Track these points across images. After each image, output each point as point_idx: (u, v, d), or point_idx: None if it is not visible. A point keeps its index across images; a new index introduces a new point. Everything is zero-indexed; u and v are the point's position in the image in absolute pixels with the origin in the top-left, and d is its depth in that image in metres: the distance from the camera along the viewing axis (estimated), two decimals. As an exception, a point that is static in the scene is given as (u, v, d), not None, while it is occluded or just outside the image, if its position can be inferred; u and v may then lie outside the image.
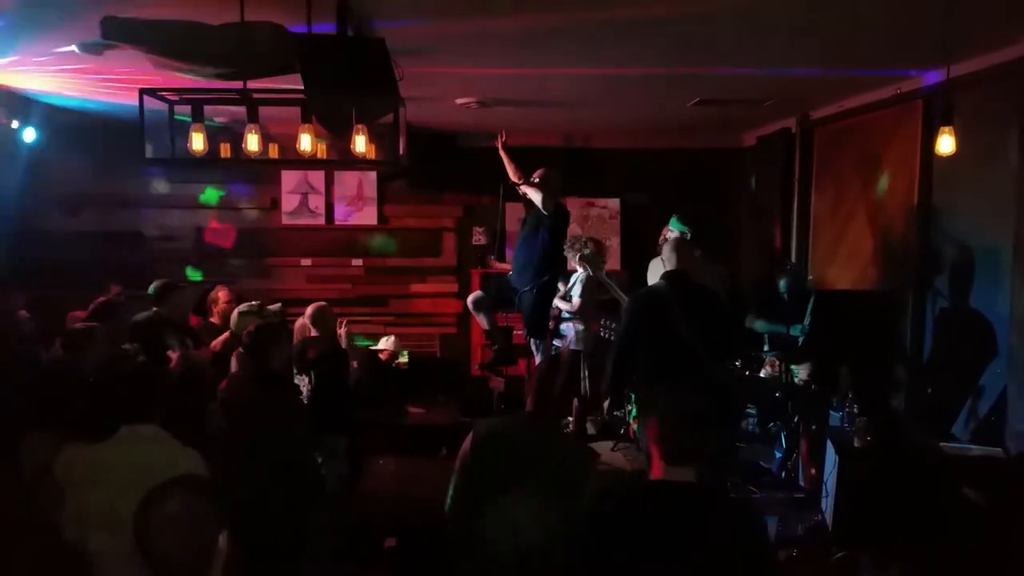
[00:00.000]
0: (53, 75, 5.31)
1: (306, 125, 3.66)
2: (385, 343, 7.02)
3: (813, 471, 5.34)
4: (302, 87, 3.44)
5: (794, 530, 4.81)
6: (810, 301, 5.60)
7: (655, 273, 6.52)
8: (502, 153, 5.73)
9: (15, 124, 6.05)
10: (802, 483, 5.49)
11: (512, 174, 5.60)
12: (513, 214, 7.29)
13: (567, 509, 2.77)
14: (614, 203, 8.23)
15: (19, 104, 6.08)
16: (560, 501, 2.92)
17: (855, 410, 4.85)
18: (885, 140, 5.61)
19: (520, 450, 3.14)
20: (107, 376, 3.09)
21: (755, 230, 7.62)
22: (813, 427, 5.41)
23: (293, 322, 5.85)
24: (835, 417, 5.04)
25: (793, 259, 6.86)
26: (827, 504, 4.79)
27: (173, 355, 4.53)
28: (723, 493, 2.42)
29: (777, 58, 4.72)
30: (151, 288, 5.20)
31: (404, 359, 7.18)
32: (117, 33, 3.49)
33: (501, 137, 5.71)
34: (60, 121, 6.65)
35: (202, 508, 1.85)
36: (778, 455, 5.67)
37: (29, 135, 6.26)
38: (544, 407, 3.36)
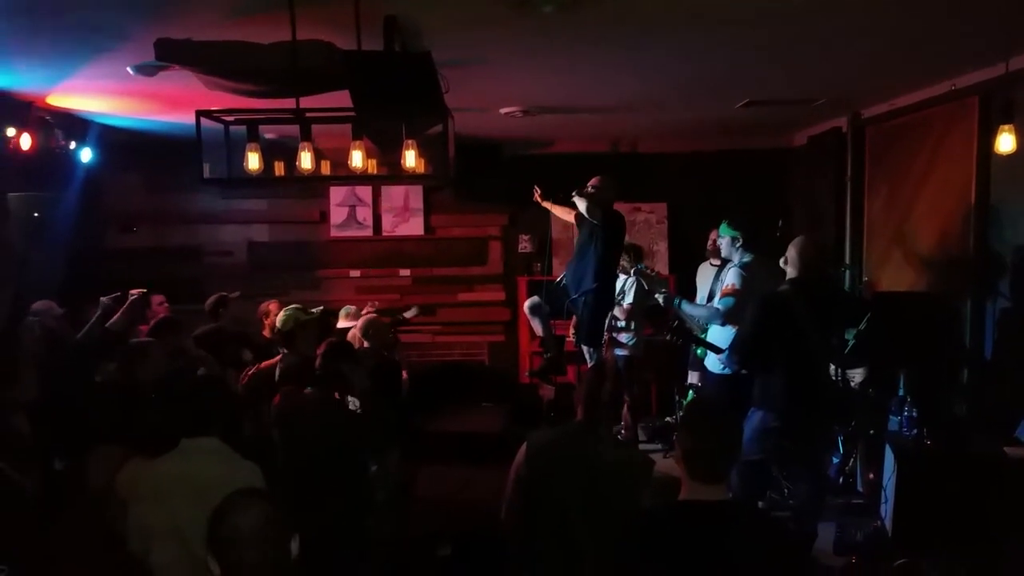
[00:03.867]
0: (108, 96, 5.47)
1: (357, 142, 3.69)
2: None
3: (871, 476, 5.23)
4: (351, 104, 3.48)
5: (853, 537, 4.72)
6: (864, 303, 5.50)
7: (704, 277, 6.49)
8: (545, 205, 5.80)
9: (72, 145, 6.21)
10: (860, 488, 5.39)
11: (563, 215, 5.71)
12: (559, 222, 7.29)
13: (624, 519, 2.73)
14: (661, 207, 8.17)
15: (75, 125, 6.25)
16: (617, 511, 2.89)
17: (914, 414, 4.74)
18: (940, 138, 5.47)
19: (575, 461, 3.12)
20: (167, 391, 3.15)
21: (807, 232, 7.49)
22: (871, 431, 5.30)
23: (344, 332, 5.92)
24: (893, 421, 4.94)
25: (847, 261, 6.73)
26: (887, 510, 4.70)
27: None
28: (751, 511, 2.29)
29: (829, 57, 4.64)
30: (209, 302, 5.34)
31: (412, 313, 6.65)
32: (170, 54, 3.58)
33: (536, 194, 5.78)
34: (115, 140, 6.82)
35: (275, 516, 1.87)
36: (835, 460, 5.56)
37: (85, 155, 6.42)
38: (595, 415, 3.34)
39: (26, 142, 5.44)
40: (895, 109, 6.03)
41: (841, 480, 5.49)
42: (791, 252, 4.46)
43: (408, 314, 6.48)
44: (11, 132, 5.30)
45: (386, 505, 4.50)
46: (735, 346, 4.56)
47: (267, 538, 1.85)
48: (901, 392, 4.89)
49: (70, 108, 5.90)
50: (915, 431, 4.68)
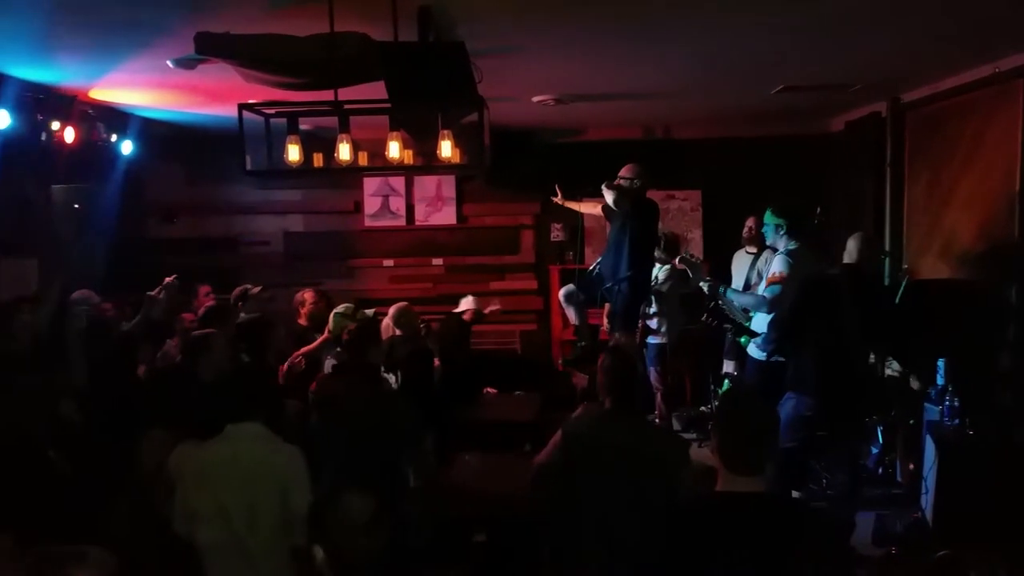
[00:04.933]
0: (149, 89, 5.55)
1: (394, 133, 3.73)
2: (465, 303, 6.84)
3: (911, 466, 5.17)
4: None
5: (893, 527, 4.68)
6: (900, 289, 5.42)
7: (739, 265, 6.44)
8: (568, 205, 5.85)
9: (113, 137, 6.33)
10: (900, 479, 5.33)
11: (589, 209, 5.77)
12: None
13: (664, 501, 2.74)
14: (695, 195, 8.10)
15: (117, 118, 6.36)
16: (657, 495, 2.89)
17: (956, 403, 4.68)
18: (983, 123, 5.37)
19: (611, 446, 3.12)
20: (215, 378, 3.23)
21: (845, 219, 7.39)
22: (911, 421, 5.24)
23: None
24: (932, 411, 4.88)
25: (887, 248, 6.63)
26: (927, 500, 4.65)
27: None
28: (788, 502, 2.25)
29: (867, 39, 4.57)
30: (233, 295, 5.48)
31: (494, 307, 7.12)
32: (210, 48, 3.62)
33: (557, 196, 5.82)
34: (155, 133, 6.93)
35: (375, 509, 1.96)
36: (874, 450, 5.51)
37: (126, 147, 6.54)
38: (622, 399, 3.31)
39: (69, 135, 5.55)
40: (936, 93, 5.92)
41: (880, 470, 5.44)
42: (852, 242, 4.47)
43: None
44: (55, 126, 5.41)
45: (420, 491, 4.55)
46: (774, 323, 4.51)
47: (372, 528, 1.92)
48: (942, 381, 4.82)
49: (112, 102, 6.00)
50: (957, 421, 4.63)
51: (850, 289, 4.24)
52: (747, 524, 2.28)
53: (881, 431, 5.45)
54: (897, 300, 5.26)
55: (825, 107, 7.12)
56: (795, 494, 4.55)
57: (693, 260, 5.43)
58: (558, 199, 5.93)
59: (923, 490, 4.69)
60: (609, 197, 5.13)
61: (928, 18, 4.12)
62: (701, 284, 5.29)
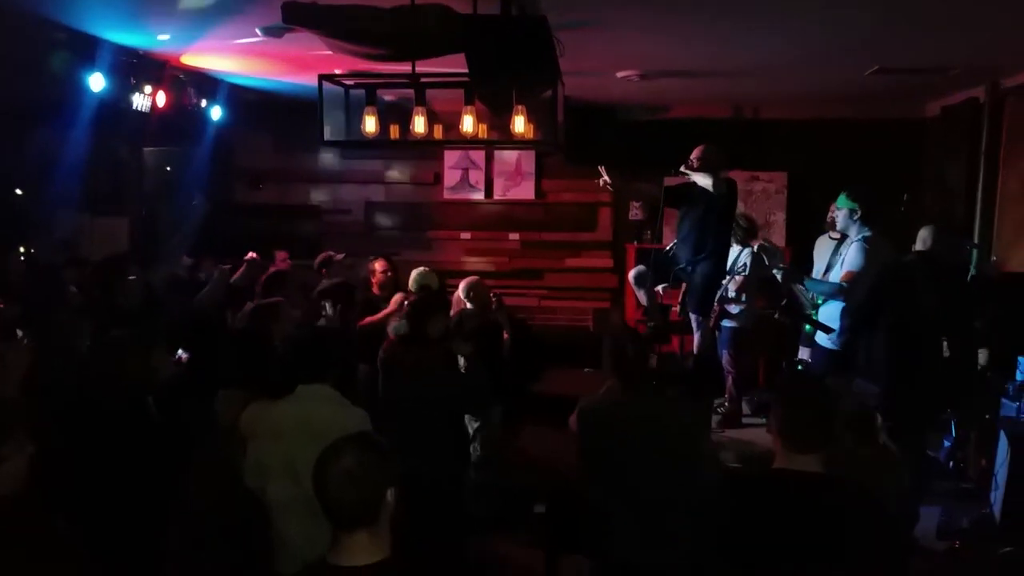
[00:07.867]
0: (237, 56, 5.72)
1: (469, 107, 3.78)
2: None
3: (983, 462, 5.03)
4: (466, 69, 3.54)
5: (958, 522, 4.58)
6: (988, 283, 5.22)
7: (821, 250, 6.27)
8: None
9: (203, 103, 6.54)
10: (970, 474, 5.18)
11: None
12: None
13: (692, 470, 2.76)
14: (781, 176, 7.90)
15: (207, 84, 6.56)
16: (683, 464, 2.91)
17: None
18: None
19: (624, 420, 3.15)
20: (287, 340, 3.36)
21: (936, 208, 7.12)
22: (986, 416, 5.06)
23: (451, 293, 6.08)
24: (1010, 407, 4.71)
25: (976, 239, 6.36)
26: (996, 497, 4.54)
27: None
28: (847, 485, 2.25)
29: (969, 19, 4.37)
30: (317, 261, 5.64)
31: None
32: (296, 17, 3.73)
33: (603, 179, 5.62)
34: (243, 100, 7.13)
35: (374, 463, 2.01)
36: (947, 444, 5.34)
37: (216, 113, 6.76)
38: (628, 377, 3.32)
39: (161, 99, 5.76)
40: (1040, 78, 5.64)
41: (952, 465, 5.29)
42: (925, 231, 4.40)
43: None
44: (147, 90, 5.61)
45: (486, 460, 4.64)
46: (850, 310, 4.42)
47: (361, 481, 1.97)
48: (1021, 377, 4.65)
49: (202, 67, 6.19)
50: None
51: (924, 277, 4.14)
52: (802, 502, 2.28)
53: (954, 425, 5.29)
54: (969, 279, 5.07)
55: (920, 91, 6.86)
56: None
57: (769, 247, 5.32)
58: (605, 180, 5.72)
59: (993, 486, 4.56)
60: (706, 181, 5.02)
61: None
62: (775, 271, 5.19)
